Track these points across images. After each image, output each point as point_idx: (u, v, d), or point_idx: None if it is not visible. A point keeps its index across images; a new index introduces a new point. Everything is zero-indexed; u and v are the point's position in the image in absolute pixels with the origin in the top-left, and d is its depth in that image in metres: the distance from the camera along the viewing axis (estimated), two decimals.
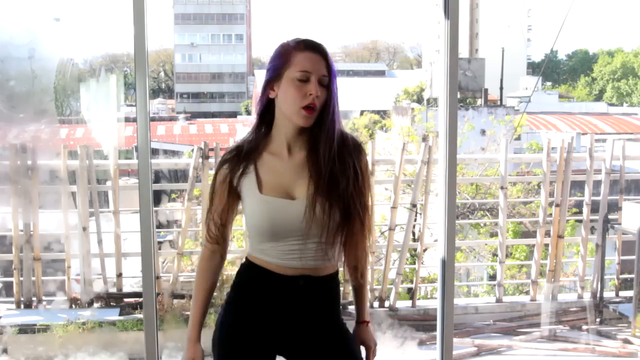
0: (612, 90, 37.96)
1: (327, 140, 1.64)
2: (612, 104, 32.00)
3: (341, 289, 2.42)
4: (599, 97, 36.90)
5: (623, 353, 4.12)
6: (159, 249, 6.72)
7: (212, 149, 4.47)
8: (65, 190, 4.43)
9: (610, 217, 4.73)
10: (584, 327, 4.56)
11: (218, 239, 1.83)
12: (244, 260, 1.82)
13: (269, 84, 1.68)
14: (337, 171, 1.64)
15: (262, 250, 1.73)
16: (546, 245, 4.78)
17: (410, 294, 4.74)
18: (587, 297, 4.76)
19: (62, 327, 4.09)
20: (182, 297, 4.41)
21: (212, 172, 4.43)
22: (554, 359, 4.20)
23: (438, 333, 2.88)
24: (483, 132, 9.88)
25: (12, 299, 4.42)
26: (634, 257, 4.40)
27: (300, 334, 1.73)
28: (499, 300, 4.72)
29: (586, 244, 4.78)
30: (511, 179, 6.23)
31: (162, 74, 48.66)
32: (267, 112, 1.71)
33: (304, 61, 1.63)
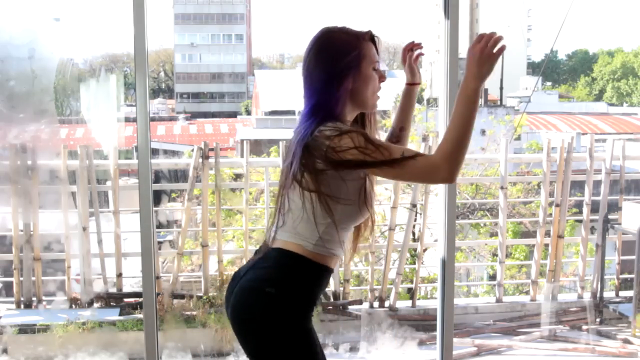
0: (612, 90, 37.96)
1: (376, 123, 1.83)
2: (612, 104, 32.02)
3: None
4: (599, 97, 36.91)
5: (623, 353, 4.12)
6: (159, 249, 6.72)
7: (212, 149, 4.46)
8: (65, 190, 4.43)
9: (610, 217, 4.73)
10: (584, 327, 4.56)
11: None
12: (295, 256, 1.70)
13: (348, 74, 1.69)
14: None
15: (335, 243, 1.73)
16: (546, 245, 4.78)
17: (410, 294, 4.74)
18: (587, 297, 4.76)
19: (62, 327, 4.09)
20: (182, 297, 4.41)
21: (212, 172, 4.44)
22: (554, 359, 4.20)
23: (438, 333, 2.88)
24: (483, 132, 9.87)
25: (12, 299, 4.41)
26: (634, 257, 4.40)
27: None
28: (499, 300, 4.72)
29: (586, 244, 4.79)
30: (511, 179, 6.23)
31: (162, 74, 48.67)
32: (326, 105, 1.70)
33: (374, 53, 1.74)
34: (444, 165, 1.60)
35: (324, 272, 1.73)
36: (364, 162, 1.60)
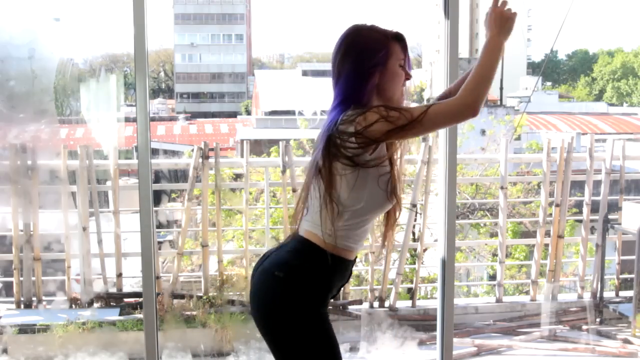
0: (612, 90, 37.96)
1: None
2: (612, 104, 32.03)
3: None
4: (599, 97, 36.92)
5: (623, 353, 4.12)
6: (159, 249, 6.72)
7: (212, 149, 4.46)
8: (65, 190, 4.43)
9: (610, 217, 4.73)
10: (584, 327, 4.56)
11: None
12: (309, 244, 1.76)
13: (375, 70, 1.74)
14: None
15: (352, 235, 1.77)
16: (546, 245, 4.78)
17: (410, 294, 4.74)
18: (587, 297, 4.76)
19: (62, 327, 4.09)
20: (182, 297, 4.41)
21: (212, 172, 4.44)
22: (554, 359, 4.20)
23: (438, 333, 2.88)
24: (483, 132, 9.88)
25: (12, 299, 4.41)
26: (634, 257, 4.40)
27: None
28: (499, 300, 4.72)
29: (586, 244, 4.79)
30: (511, 179, 6.23)
31: (162, 74, 48.67)
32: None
33: (401, 52, 1.79)
34: (468, 98, 1.65)
35: (338, 262, 1.76)
36: (394, 129, 1.65)
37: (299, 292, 1.72)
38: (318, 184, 1.74)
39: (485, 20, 1.74)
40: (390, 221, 1.88)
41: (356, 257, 1.85)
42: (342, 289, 1.90)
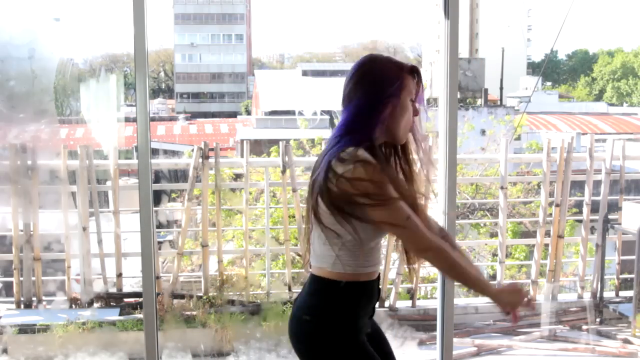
0: (612, 90, 37.97)
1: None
2: (612, 104, 32.03)
3: None
4: (599, 97, 36.93)
5: (623, 353, 4.12)
6: (159, 249, 6.72)
7: (212, 149, 4.46)
8: (65, 190, 4.43)
9: (610, 217, 4.73)
10: (584, 327, 4.56)
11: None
12: (330, 279, 1.76)
13: (389, 102, 1.73)
14: None
15: (359, 259, 1.76)
16: (546, 245, 4.78)
17: (410, 294, 4.74)
18: (587, 297, 4.76)
19: (62, 327, 4.09)
20: (182, 297, 4.41)
21: (212, 172, 4.44)
22: (554, 359, 4.20)
23: (438, 333, 2.88)
24: (483, 132, 9.88)
25: (12, 299, 4.41)
26: (634, 257, 4.39)
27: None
28: None
29: (586, 244, 4.78)
30: (511, 179, 6.23)
31: (162, 74, 48.67)
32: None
33: (414, 86, 1.78)
34: (430, 249, 1.71)
35: (358, 288, 1.76)
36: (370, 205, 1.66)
37: (331, 329, 1.73)
38: (315, 219, 1.74)
39: (511, 289, 1.85)
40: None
41: (379, 274, 1.84)
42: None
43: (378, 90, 1.73)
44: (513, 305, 1.81)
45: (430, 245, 1.69)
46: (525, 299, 1.82)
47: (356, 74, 1.76)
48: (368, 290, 1.79)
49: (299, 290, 1.98)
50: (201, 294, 4.42)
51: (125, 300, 4.46)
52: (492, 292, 1.82)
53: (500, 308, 1.81)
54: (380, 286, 1.86)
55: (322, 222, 1.71)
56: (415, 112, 1.79)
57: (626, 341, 4.26)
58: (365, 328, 1.81)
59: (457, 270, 1.74)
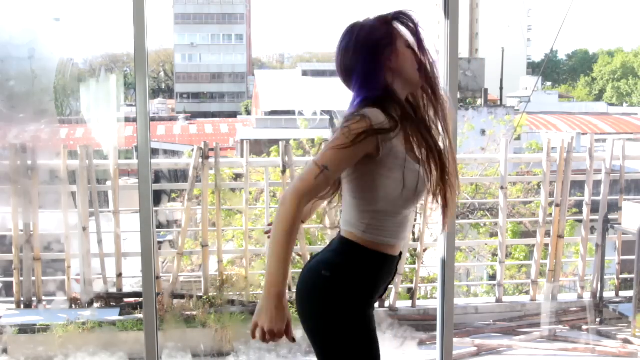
0: (612, 90, 37.96)
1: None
2: (612, 104, 32.02)
3: None
4: (599, 97, 36.92)
5: (623, 353, 4.12)
6: (159, 249, 6.72)
7: (212, 149, 4.46)
8: (65, 190, 4.43)
9: (610, 217, 4.73)
10: (584, 327, 4.56)
11: (323, 197, 1.82)
12: (358, 243, 1.74)
13: (386, 59, 1.73)
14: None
15: (387, 230, 1.75)
16: (546, 245, 4.78)
17: (410, 294, 4.74)
18: (587, 297, 4.76)
19: (62, 327, 4.09)
20: (182, 297, 4.41)
21: (212, 172, 4.44)
22: (554, 359, 4.20)
23: (438, 333, 2.88)
24: (483, 132, 9.87)
25: (12, 299, 4.41)
26: (634, 257, 4.40)
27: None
28: (499, 300, 4.72)
29: (586, 244, 4.78)
30: (511, 179, 6.23)
31: (162, 74, 48.67)
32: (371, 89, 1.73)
33: (405, 32, 1.77)
34: (285, 198, 1.62)
35: (380, 259, 1.75)
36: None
37: (345, 291, 1.71)
38: (346, 180, 1.75)
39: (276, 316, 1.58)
40: (445, 212, 1.82)
41: (401, 252, 1.84)
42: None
43: (374, 52, 1.73)
44: (266, 324, 1.59)
45: (285, 199, 1.60)
46: (275, 334, 1.60)
47: (349, 45, 1.76)
48: (388, 264, 1.78)
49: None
50: (201, 294, 4.42)
51: (125, 300, 4.46)
52: (268, 290, 1.60)
53: (254, 317, 1.61)
54: (398, 265, 1.85)
55: (353, 178, 1.71)
56: (416, 58, 1.75)
57: (626, 341, 4.26)
58: (374, 303, 1.82)
59: (276, 240, 1.60)
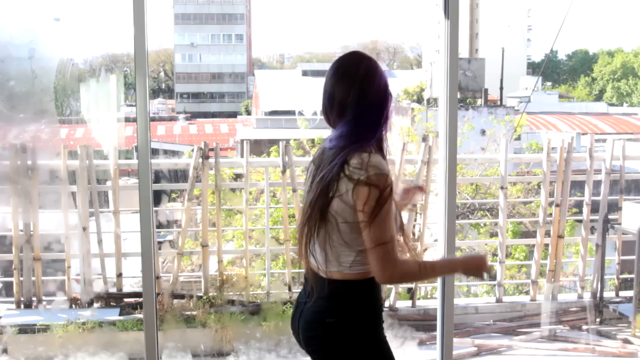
0: (612, 90, 37.98)
1: None
2: (612, 104, 32.04)
3: None
4: (599, 97, 36.94)
5: (623, 353, 4.12)
6: (159, 249, 6.72)
7: (212, 149, 4.46)
8: (65, 190, 4.43)
9: (610, 217, 4.73)
10: (584, 327, 4.56)
11: None
12: (349, 280, 1.78)
13: (389, 105, 1.78)
14: None
15: (366, 261, 1.78)
16: (546, 245, 4.78)
17: (410, 294, 4.74)
18: (587, 297, 4.76)
19: (62, 327, 4.09)
20: (182, 297, 4.41)
21: (212, 172, 4.44)
22: (554, 359, 4.20)
23: (438, 333, 2.88)
24: (483, 132, 9.89)
25: (12, 299, 4.41)
26: (634, 257, 4.40)
27: None
28: (499, 300, 4.72)
29: (586, 244, 4.78)
30: (511, 179, 6.23)
31: (162, 74, 48.69)
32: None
33: None
34: (393, 277, 1.76)
35: (371, 283, 1.77)
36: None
37: (357, 328, 1.75)
38: (324, 226, 1.73)
39: (473, 258, 1.87)
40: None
41: None
42: None
43: (385, 99, 1.75)
44: (477, 273, 1.83)
45: (392, 275, 1.71)
46: (487, 264, 1.82)
47: (353, 76, 1.74)
48: (378, 288, 1.82)
49: (299, 290, 1.97)
50: (201, 294, 4.42)
51: (125, 300, 4.46)
52: (457, 267, 1.89)
53: (466, 275, 1.85)
54: None
55: (336, 221, 1.71)
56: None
57: (626, 341, 4.26)
58: (382, 321, 1.86)
59: (423, 277, 1.81)
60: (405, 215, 4.99)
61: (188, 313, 4.32)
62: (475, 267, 1.82)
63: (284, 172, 4.53)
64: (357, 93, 1.73)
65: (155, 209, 3.12)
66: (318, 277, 1.79)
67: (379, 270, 1.68)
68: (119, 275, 4.45)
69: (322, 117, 1.85)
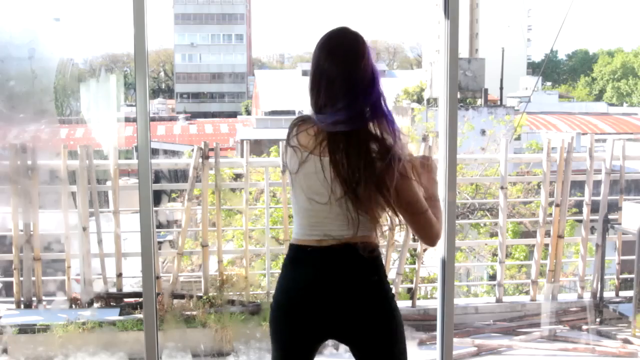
0: (612, 90, 37.98)
1: None
2: (612, 104, 32.04)
3: None
4: (599, 97, 36.94)
5: (623, 353, 4.12)
6: (159, 249, 6.72)
7: (212, 149, 4.46)
8: (65, 190, 4.43)
9: (610, 217, 4.73)
10: (584, 327, 4.56)
11: None
12: (375, 243, 1.88)
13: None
14: None
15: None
16: (546, 245, 4.78)
17: (410, 294, 4.74)
18: (587, 297, 4.76)
19: (62, 327, 4.09)
20: (182, 297, 4.41)
21: (212, 172, 4.44)
22: (554, 359, 4.20)
23: (438, 333, 2.88)
24: (483, 132, 9.89)
25: (12, 299, 4.41)
26: (634, 257, 4.40)
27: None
28: (499, 300, 4.72)
29: (586, 244, 4.79)
30: (511, 179, 6.23)
31: (162, 74, 48.70)
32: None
33: None
34: (439, 232, 1.95)
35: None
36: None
37: (389, 285, 1.88)
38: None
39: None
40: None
41: None
42: None
43: (371, 64, 1.80)
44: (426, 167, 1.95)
45: (439, 231, 1.89)
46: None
47: (369, 57, 1.77)
48: None
49: None
50: (201, 294, 4.42)
51: (125, 300, 4.46)
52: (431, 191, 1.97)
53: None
54: None
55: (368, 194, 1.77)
56: None
57: (626, 341, 4.26)
58: None
59: (438, 209, 1.94)
60: None
61: (188, 313, 4.32)
62: (420, 164, 1.92)
63: (284, 172, 4.53)
64: (365, 65, 1.77)
65: (155, 209, 3.12)
66: (353, 243, 1.80)
67: (432, 228, 1.87)
68: (119, 275, 4.45)
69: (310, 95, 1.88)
